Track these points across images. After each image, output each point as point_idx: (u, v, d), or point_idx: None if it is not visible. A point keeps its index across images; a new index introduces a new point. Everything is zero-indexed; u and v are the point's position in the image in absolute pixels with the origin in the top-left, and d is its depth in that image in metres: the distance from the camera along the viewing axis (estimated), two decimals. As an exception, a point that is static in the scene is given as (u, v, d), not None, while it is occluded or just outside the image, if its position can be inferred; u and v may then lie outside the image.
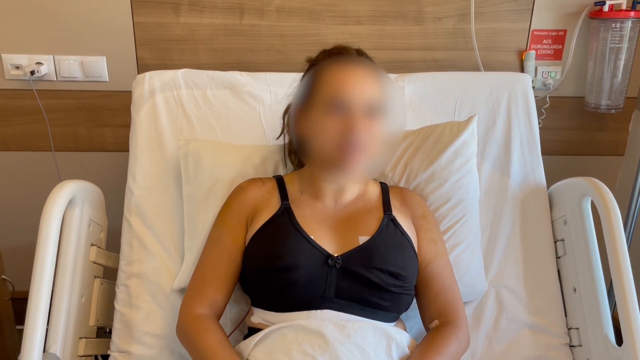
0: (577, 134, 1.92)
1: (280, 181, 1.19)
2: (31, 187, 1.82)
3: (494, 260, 1.35)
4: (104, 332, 1.33)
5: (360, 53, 1.14)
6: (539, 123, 1.83)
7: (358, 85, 1.04)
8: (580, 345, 1.25)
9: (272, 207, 1.13)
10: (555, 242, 1.38)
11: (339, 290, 1.04)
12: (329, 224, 1.11)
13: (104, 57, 1.73)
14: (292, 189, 1.17)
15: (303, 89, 1.11)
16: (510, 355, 1.25)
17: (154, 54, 1.74)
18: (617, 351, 1.12)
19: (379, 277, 1.04)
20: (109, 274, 1.37)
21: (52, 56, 1.72)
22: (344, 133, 1.03)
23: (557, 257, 1.37)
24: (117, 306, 1.26)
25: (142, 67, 1.74)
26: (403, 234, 1.12)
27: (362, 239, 1.08)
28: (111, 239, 1.42)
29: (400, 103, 1.13)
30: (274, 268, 1.05)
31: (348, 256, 1.06)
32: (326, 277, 1.04)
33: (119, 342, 1.23)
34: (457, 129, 1.30)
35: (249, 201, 1.15)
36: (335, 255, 1.06)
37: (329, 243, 1.08)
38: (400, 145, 1.32)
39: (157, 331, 1.23)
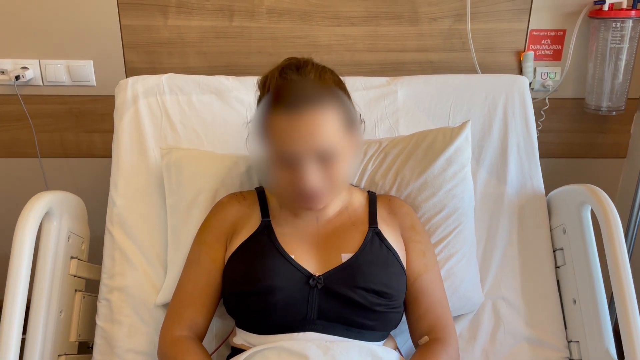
0: (578, 137, 1.87)
1: (261, 194, 1.14)
2: (17, 194, 1.78)
3: (490, 270, 1.31)
4: (86, 347, 1.28)
5: (301, 87, 0.97)
6: (538, 125, 1.80)
7: (303, 137, 0.94)
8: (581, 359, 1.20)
9: (252, 223, 1.09)
10: (554, 251, 1.33)
11: (321, 311, 0.99)
12: (311, 241, 1.06)
13: (91, 61, 1.70)
14: (273, 202, 1.13)
15: (255, 124, 1.02)
16: (507, 370, 1.21)
17: (142, 57, 1.70)
18: (619, 367, 1.08)
19: (363, 296, 1.00)
20: (93, 287, 1.33)
21: (37, 60, 1.69)
22: (297, 186, 0.97)
23: (557, 267, 1.32)
24: (99, 321, 1.22)
25: (130, 71, 1.71)
26: (389, 248, 1.07)
27: (345, 257, 1.03)
28: (99, 250, 1.37)
29: (357, 113, 1.05)
30: (251, 291, 1.00)
31: (330, 275, 1.01)
32: (307, 299, 0.99)
33: (100, 358, 1.19)
34: (450, 135, 1.25)
35: (229, 218, 1.11)
36: (317, 275, 1.01)
37: (311, 262, 1.03)
38: (364, 154, 1.28)
39: (139, 347, 1.19)
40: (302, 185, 0.96)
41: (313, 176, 0.96)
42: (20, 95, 1.70)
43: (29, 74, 1.67)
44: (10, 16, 1.63)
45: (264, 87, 1.02)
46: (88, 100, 1.74)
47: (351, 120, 1.02)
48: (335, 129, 0.97)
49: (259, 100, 1.04)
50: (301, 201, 1.00)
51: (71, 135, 1.78)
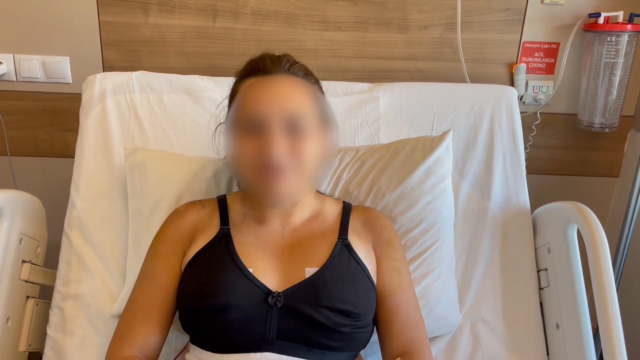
0: (570, 153, 1.82)
1: (222, 202, 1.07)
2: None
3: (470, 290, 1.25)
4: (38, 358, 1.21)
5: (275, 60, 0.99)
6: (529, 140, 1.74)
7: (272, 99, 0.92)
8: (562, 388, 1.13)
9: (210, 231, 1.01)
10: (538, 272, 1.27)
11: (281, 331, 0.92)
12: (274, 252, 0.99)
13: (67, 58, 1.65)
14: (234, 211, 1.05)
15: (228, 110, 1.02)
16: (484, 396, 1.14)
17: (121, 55, 1.64)
18: (602, 399, 1.00)
19: (326, 316, 0.92)
20: (50, 294, 1.26)
21: (12, 55, 1.64)
22: (261, 155, 0.92)
23: (540, 289, 1.26)
24: (49, 331, 1.15)
25: (108, 69, 1.65)
26: (358, 262, 0.99)
27: (309, 271, 0.95)
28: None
29: (333, 114, 1.03)
30: (204, 307, 0.93)
31: (291, 292, 0.93)
32: (265, 317, 0.92)
33: (50, 371, 1.11)
34: (430, 144, 1.19)
35: (186, 227, 1.03)
36: (277, 291, 0.94)
37: (271, 276, 0.95)
38: (336, 160, 1.22)
39: (91, 360, 1.11)
40: (267, 153, 0.91)
41: (280, 143, 0.91)
42: (-9, 90, 1.64)
43: (2, 69, 1.62)
44: (-16, 9, 1.58)
45: (239, 72, 1.02)
46: (63, 98, 1.68)
47: (325, 114, 0.99)
48: (307, 102, 0.95)
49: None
50: (265, 177, 0.93)
51: (44, 133, 1.72)
